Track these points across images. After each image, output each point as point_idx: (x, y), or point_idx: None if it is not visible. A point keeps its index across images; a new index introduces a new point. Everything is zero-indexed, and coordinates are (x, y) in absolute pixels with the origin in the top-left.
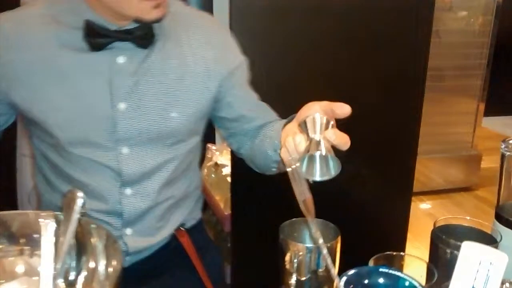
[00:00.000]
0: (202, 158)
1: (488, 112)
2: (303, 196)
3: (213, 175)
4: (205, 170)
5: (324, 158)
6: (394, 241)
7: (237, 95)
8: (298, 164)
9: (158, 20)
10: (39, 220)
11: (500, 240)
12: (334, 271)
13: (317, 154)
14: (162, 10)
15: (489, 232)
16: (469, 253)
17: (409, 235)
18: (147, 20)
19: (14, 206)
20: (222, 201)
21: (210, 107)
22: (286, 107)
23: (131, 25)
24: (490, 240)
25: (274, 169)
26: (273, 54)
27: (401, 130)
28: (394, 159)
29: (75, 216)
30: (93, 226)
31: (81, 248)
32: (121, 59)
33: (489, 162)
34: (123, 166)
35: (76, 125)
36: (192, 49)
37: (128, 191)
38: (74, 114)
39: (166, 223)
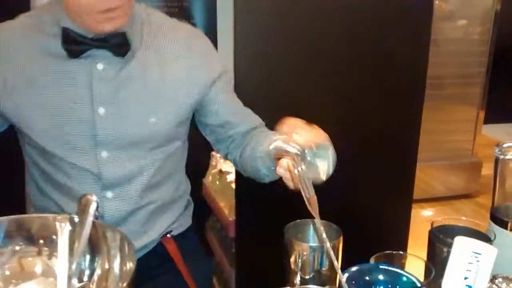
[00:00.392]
0: (207, 165)
1: (488, 120)
2: (308, 194)
3: (217, 182)
4: (210, 177)
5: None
6: (395, 245)
7: (222, 102)
8: (304, 167)
9: (116, 32)
10: (56, 223)
11: (494, 238)
12: (338, 264)
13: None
14: (118, 21)
15: (484, 232)
16: (461, 247)
17: (410, 241)
18: (104, 32)
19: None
20: (227, 208)
21: (190, 113)
22: (288, 110)
23: (104, 35)
24: (484, 239)
25: (266, 180)
26: (275, 58)
27: (401, 137)
28: (394, 166)
29: (90, 219)
30: (108, 228)
31: (95, 249)
32: (100, 66)
33: (490, 169)
34: (102, 169)
35: (58, 130)
36: (173, 57)
37: (109, 194)
38: (56, 119)
39: (150, 228)
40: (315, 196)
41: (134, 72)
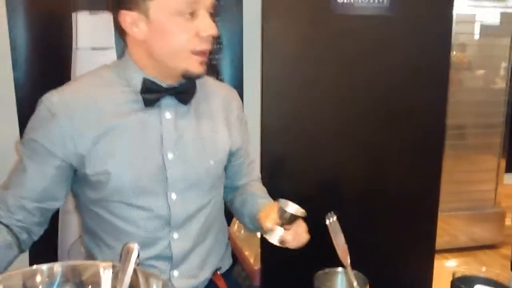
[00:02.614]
0: (232, 214)
1: (510, 169)
2: (340, 244)
3: (242, 231)
4: (235, 226)
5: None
6: None
7: (240, 157)
8: (335, 219)
9: (201, 75)
10: (100, 269)
11: None
12: None
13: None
14: (204, 66)
15: (506, 282)
16: None
17: None
18: (193, 73)
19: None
20: (252, 256)
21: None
22: (309, 155)
23: (177, 83)
24: None
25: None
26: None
27: (423, 188)
28: (417, 216)
29: (131, 266)
30: (149, 275)
31: None
32: (168, 115)
33: None
34: (172, 211)
35: (134, 176)
36: (218, 109)
37: (176, 235)
38: (133, 165)
39: (205, 264)
40: (346, 246)
41: (191, 120)
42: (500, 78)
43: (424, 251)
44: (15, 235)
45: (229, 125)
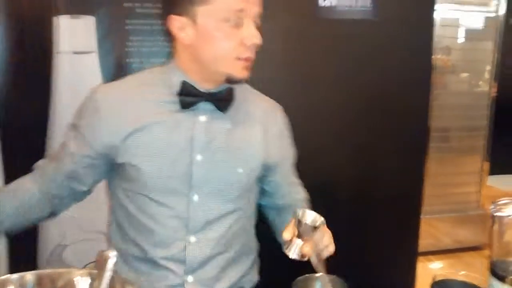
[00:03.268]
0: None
1: (494, 171)
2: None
3: None
4: None
5: None
6: None
7: (282, 175)
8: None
9: (244, 80)
10: (75, 278)
11: None
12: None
13: None
14: (247, 72)
15: (484, 286)
16: None
17: None
18: (237, 78)
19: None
20: None
21: (261, 171)
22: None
23: (216, 89)
24: None
25: None
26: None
27: (405, 190)
28: (399, 219)
29: (108, 273)
30: (127, 283)
31: None
32: (203, 118)
33: None
34: (191, 213)
35: (161, 172)
36: (255, 121)
37: (193, 238)
38: (160, 162)
39: (224, 275)
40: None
41: (226, 126)
42: (484, 82)
43: (407, 254)
44: (47, 200)
45: (267, 138)
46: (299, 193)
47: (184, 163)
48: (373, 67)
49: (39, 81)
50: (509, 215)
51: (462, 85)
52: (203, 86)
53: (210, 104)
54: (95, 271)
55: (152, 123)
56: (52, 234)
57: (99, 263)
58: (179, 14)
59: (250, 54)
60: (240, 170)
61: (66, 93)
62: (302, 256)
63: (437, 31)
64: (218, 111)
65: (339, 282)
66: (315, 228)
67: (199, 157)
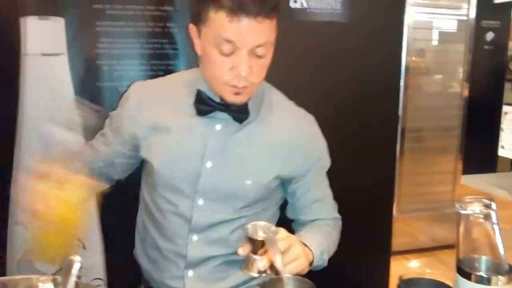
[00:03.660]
0: None
1: (468, 170)
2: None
3: None
4: None
5: None
6: None
7: (308, 190)
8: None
9: (236, 105)
10: (39, 284)
11: None
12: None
13: None
14: (241, 97)
15: (451, 284)
16: None
17: None
18: (227, 101)
19: (2, 275)
20: None
21: (277, 183)
22: None
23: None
24: None
25: None
26: None
27: (377, 189)
28: (371, 218)
29: (72, 279)
30: None
31: None
32: (218, 127)
33: None
34: (194, 215)
35: (170, 173)
36: (279, 136)
37: (195, 237)
38: (171, 164)
39: (226, 276)
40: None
41: (243, 138)
42: (457, 83)
43: (381, 253)
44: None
45: (287, 153)
46: (324, 212)
47: (194, 167)
48: (343, 69)
49: (6, 83)
50: (474, 213)
51: (435, 86)
52: (218, 96)
53: (226, 114)
54: (59, 277)
55: (170, 124)
56: (21, 238)
57: (64, 269)
58: (195, 24)
59: (236, 83)
60: (248, 182)
61: (34, 96)
62: (260, 272)
63: (411, 33)
64: (235, 122)
65: (306, 282)
66: (264, 241)
67: (209, 164)
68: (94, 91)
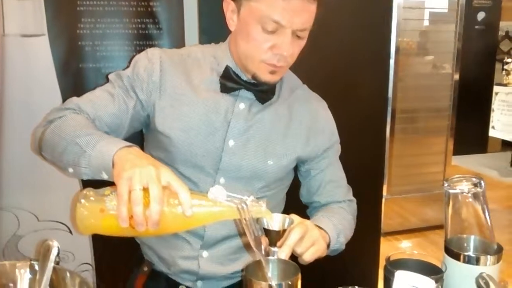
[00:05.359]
0: None
1: (458, 151)
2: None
3: None
4: None
5: None
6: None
7: (322, 170)
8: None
9: (269, 83)
10: (15, 270)
11: (445, 270)
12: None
13: None
14: (275, 76)
15: (439, 264)
16: (401, 281)
17: None
18: (261, 80)
19: None
20: None
21: (295, 164)
22: None
23: (256, 80)
24: (436, 272)
25: None
26: None
27: (367, 170)
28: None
29: (50, 265)
30: (67, 273)
31: None
32: (242, 105)
33: None
34: None
35: (191, 148)
36: (300, 117)
37: None
38: (193, 138)
39: (238, 257)
40: (261, 236)
41: (266, 118)
42: (447, 63)
43: (371, 235)
44: None
45: (306, 135)
46: (338, 193)
47: (216, 145)
48: (331, 49)
49: None
50: (463, 192)
51: (426, 67)
52: (246, 74)
53: (250, 93)
54: (36, 263)
55: (194, 97)
56: (6, 224)
57: (42, 254)
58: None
59: (275, 62)
60: (270, 162)
61: (14, 77)
62: None
63: (402, 14)
64: (258, 102)
65: (291, 265)
66: (284, 231)
67: (231, 143)
68: (77, 73)
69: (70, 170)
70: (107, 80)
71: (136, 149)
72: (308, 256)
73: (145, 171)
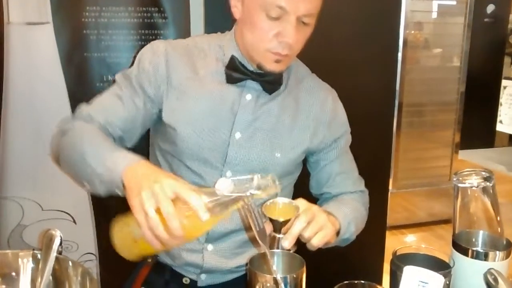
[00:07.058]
0: None
1: (465, 145)
2: (258, 227)
3: None
4: None
5: None
6: (369, 274)
7: (332, 160)
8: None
9: (275, 73)
10: (19, 259)
11: (453, 265)
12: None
13: None
14: (280, 66)
15: (446, 259)
16: (410, 276)
17: None
18: (266, 69)
19: None
20: None
21: (304, 156)
22: None
23: (263, 70)
24: (444, 267)
25: None
26: None
27: (373, 164)
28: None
29: (53, 254)
30: (70, 263)
31: (58, 284)
32: (248, 97)
33: None
34: None
35: (198, 141)
36: (307, 108)
37: None
38: (199, 131)
39: (243, 251)
40: (266, 228)
41: (273, 109)
42: (456, 56)
43: (377, 228)
44: None
45: (314, 126)
46: (348, 185)
47: (222, 138)
48: (339, 41)
49: None
50: (473, 186)
51: (434, 60)
52: (252, 64)
53: (257, 83)
54: (38, 252)
55: (200, 89)
56: (10, 214)
57: (45, 244)
58: None
59: (280, 50)
60: (278, 155)
61: (19, 66)
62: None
63: (409, 5)
64: (265, 93)
65: (297, 258)
66: (288, 220)
67: (237, 135)
68: (82, 61)
69: (87, 186)
70: (114, 82)
71: (141, 165)
72: (316, 241)
73: (151, 191)
